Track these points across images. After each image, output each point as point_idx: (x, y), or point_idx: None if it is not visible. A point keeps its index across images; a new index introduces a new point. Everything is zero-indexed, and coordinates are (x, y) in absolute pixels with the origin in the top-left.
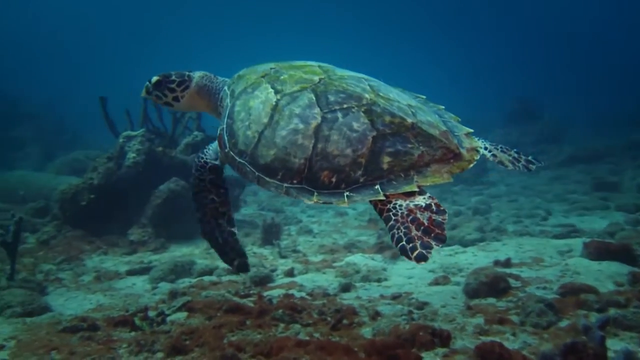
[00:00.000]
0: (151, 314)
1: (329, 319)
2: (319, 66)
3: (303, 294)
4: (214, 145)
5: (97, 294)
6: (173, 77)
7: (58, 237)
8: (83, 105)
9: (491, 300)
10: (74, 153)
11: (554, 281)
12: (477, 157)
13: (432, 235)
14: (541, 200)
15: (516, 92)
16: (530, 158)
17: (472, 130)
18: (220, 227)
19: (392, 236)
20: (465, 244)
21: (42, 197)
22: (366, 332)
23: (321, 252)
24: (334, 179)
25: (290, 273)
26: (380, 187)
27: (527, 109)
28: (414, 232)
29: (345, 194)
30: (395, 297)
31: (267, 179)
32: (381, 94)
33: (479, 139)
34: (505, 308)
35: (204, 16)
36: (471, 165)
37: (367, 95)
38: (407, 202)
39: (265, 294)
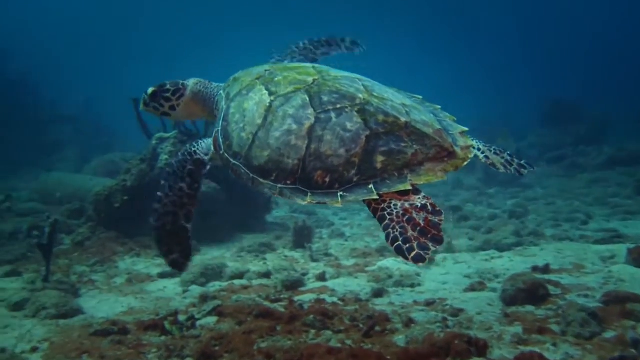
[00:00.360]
0: (181, 318)
1: (361, 325)
2: (313, 67)
3: (335, 299)
4: (209, 140)
5: (128, 297)
6: (168, 87)
7: (92, 239)
8: (119, 106)
9: (529, 308)
10: (109, 155)
11: (596, 289)
12: (471, 155)
13: (429, 236)
14: (580, 204)
15: (547, 92)
16: (522, 162)
17: (467, 129)
18: (174, 216)
19: (387, 236)
20: (501, 248)
21: (78, 199)
22: (399, 339)
23: (353, 256)
24: (327, 179)
25: (321, 277)
26: (374, 186)
27: (563, 109)
28: (410, 233)
29: (339, 194)
30: (429, 304)
31: (261, 180)
32: (375, 94)
33: (473, 139)
34: (544, 316)
35: (235, 16)
36: (465, 163)
37: (360, 95)
38: (402, 201)
39: (296, 298)
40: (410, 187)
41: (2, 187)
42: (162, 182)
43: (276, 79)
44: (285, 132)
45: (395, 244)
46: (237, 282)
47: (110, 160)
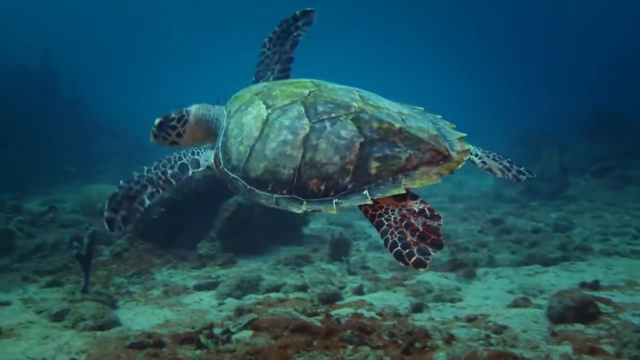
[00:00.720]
0: (217, 331)
1: (400, 341)
2: (311, 81)
3: (372, 314)
4: (212, 152)
5: (164, 309)
6: (172, 115)
7: (130, 250)
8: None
9: (579, 326)
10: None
11: None
12: (467, 158)
13: (429, 241)
14: (630, 218)
15: (581, 103)
16: (522, 169)
17: (465, 135)
18: (142, 188)
19: (386, 241)
20: (546, 263)
21: None
22: (440, 357)
23: (391, 269)
24: (322, 187)
25: (359, 291)
26: (368, 192)
27: (606, 120)
28: (409, 238)
29: (333, 201)
30: (471, 320)
31: (258, 191)
32: (370, 103)
33: (472, 146)
34: (596, 336)
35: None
36: (460, 165)
37: (355, 104)
38: (400, 207)
39: (333, 312)
40: (404, 191)
41: (50, 199)
42: (155, 162)
43: (274, 93)
44: (281, 142)
45: (395, 250)
46: (273, 295)
47: None
